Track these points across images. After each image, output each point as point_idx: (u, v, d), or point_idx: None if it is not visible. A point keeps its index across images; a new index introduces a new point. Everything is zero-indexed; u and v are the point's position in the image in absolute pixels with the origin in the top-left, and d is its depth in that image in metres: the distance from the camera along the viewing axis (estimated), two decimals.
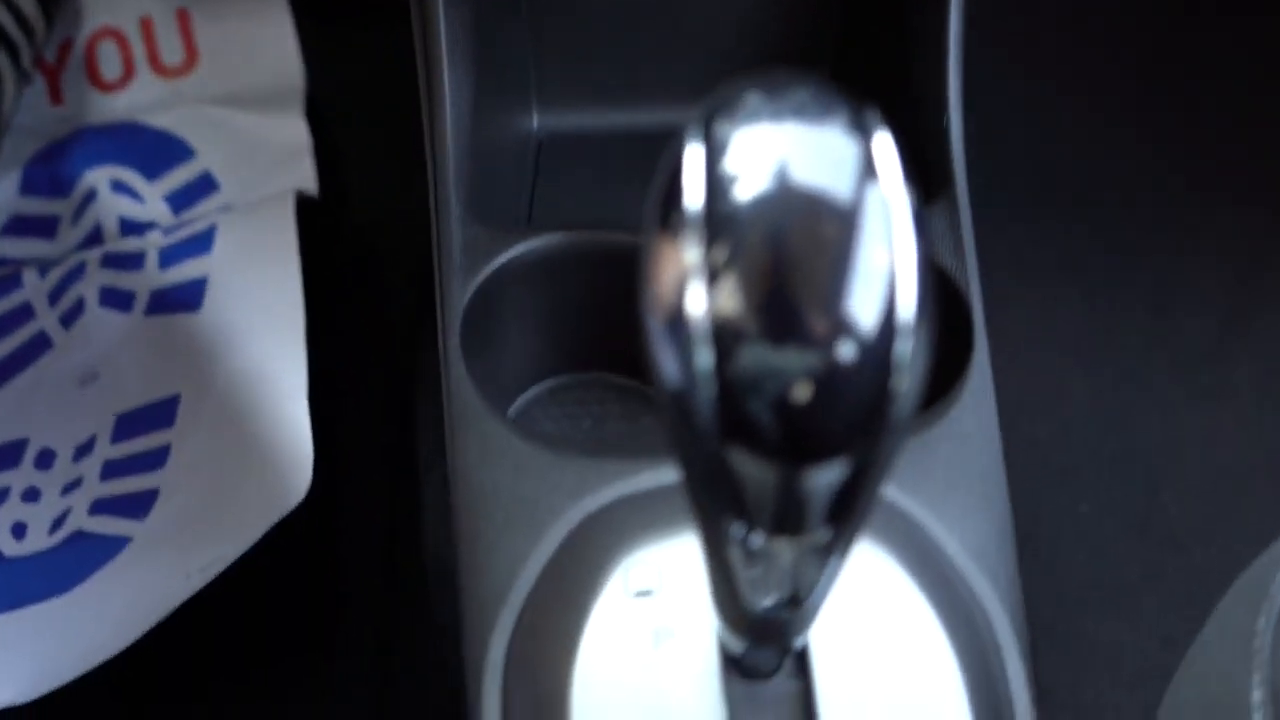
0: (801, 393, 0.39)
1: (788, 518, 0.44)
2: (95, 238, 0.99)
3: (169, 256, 0.96)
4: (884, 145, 0.42)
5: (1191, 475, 0.92)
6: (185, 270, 0.95)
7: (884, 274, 0.40)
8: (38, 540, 0.85)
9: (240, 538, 0.77)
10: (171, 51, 1.05)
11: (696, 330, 0.40)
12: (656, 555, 0.59)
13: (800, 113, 0.42)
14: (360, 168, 1.03)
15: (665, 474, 0.63)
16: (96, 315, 0.94)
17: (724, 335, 0.40)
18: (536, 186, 0.83)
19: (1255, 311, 0.96)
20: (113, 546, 0.83)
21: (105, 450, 0.88)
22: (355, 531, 0.91)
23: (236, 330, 0.90)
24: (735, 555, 0.46)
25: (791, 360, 0.39)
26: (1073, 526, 0.92)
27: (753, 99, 0.42)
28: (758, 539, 0.45)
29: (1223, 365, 0.95)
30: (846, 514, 0.44)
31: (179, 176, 1.00)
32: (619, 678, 0.56)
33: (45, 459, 0.89)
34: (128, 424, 0.89)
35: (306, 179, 0.98)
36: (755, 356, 0.40)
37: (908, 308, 0.40)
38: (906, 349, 0.40)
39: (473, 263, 0.71)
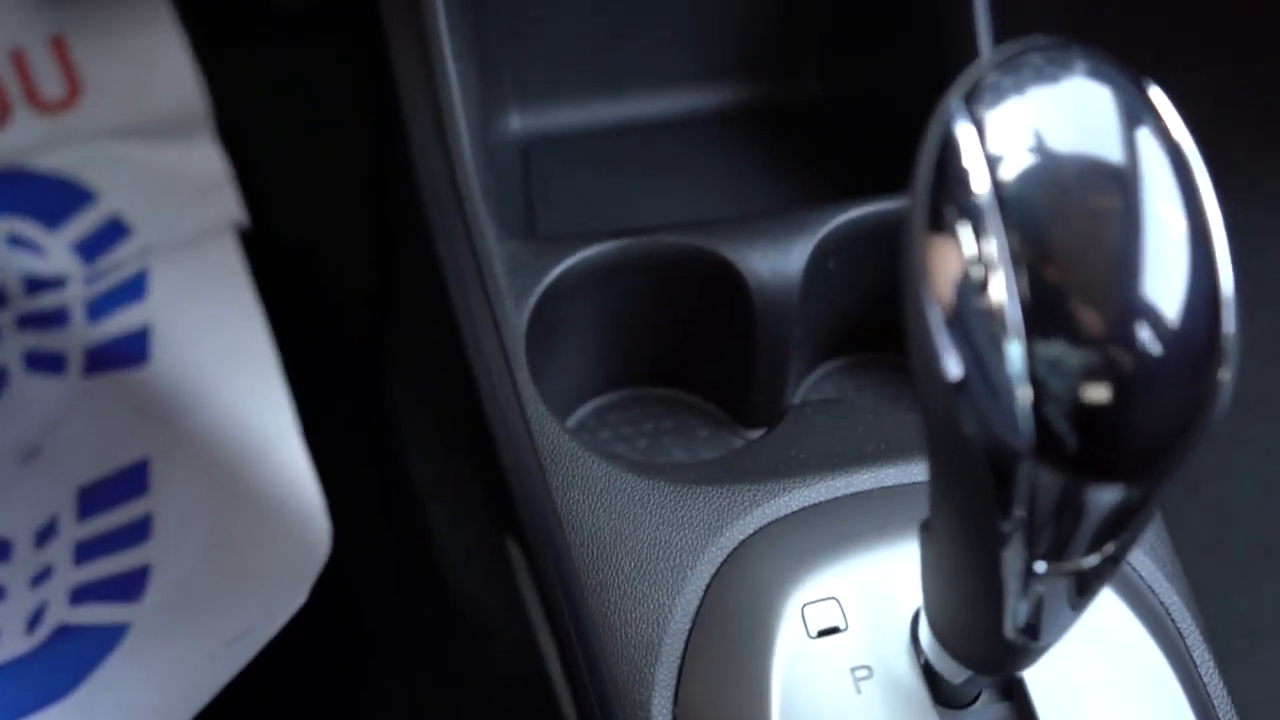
0: (1132, 389, 0.36)
1: (1076, 538, 0.40)
2: None
3: (98, 309, 0.87)
4: (1161, 100, 0.39)
5: None
6: (120, 322, 0.86)
7: (1203, 243, 0.37)
8: (15, 643, 0.76)
9: (275, 604, 0.70)
10: (51, 84, 0.95)
11: (1002, 326, 0.36)
12: (826, 587, 0.54)
13: (1072, 79, 0.38)
14: (283, 191, 0.95)
15: (799, 494, 0.58)
16: (26, 383, 0.85)
17: (1043, 328, 0.36)
18: (531, 192, 0.77)
19: None
20: (109, 636, 0.75)
21: (73, 531, 0.79)
22: (362, 566, 0.84)
23: (198, 378, 0.82)
24: (1010, 580, 0.42)
25: (1119, 352, 0.36)
26: None
27: (1016, 69, 0.38)
28: (1040, 565, 0.41)
29: None
30: (1131, 531, 0.41)
31: (84, 222, 0.91)
32: None
33: (2, 550, 0.80)
34: (93, 498, 0.80)
35: (232, 210, 0.90)
36: (1076, 353, 0.36)
37: (1228, 280, 0.38)
38: (1232, 326, 0.37)
39: (522, 282, 0.65)
